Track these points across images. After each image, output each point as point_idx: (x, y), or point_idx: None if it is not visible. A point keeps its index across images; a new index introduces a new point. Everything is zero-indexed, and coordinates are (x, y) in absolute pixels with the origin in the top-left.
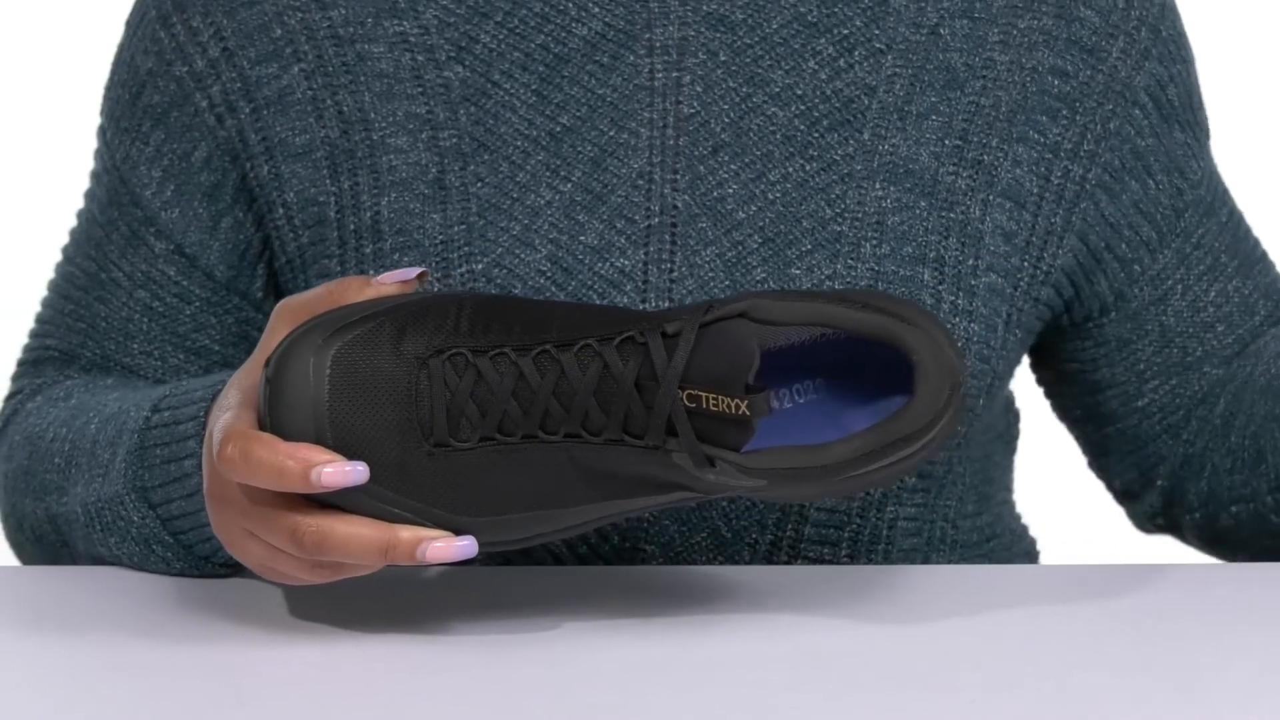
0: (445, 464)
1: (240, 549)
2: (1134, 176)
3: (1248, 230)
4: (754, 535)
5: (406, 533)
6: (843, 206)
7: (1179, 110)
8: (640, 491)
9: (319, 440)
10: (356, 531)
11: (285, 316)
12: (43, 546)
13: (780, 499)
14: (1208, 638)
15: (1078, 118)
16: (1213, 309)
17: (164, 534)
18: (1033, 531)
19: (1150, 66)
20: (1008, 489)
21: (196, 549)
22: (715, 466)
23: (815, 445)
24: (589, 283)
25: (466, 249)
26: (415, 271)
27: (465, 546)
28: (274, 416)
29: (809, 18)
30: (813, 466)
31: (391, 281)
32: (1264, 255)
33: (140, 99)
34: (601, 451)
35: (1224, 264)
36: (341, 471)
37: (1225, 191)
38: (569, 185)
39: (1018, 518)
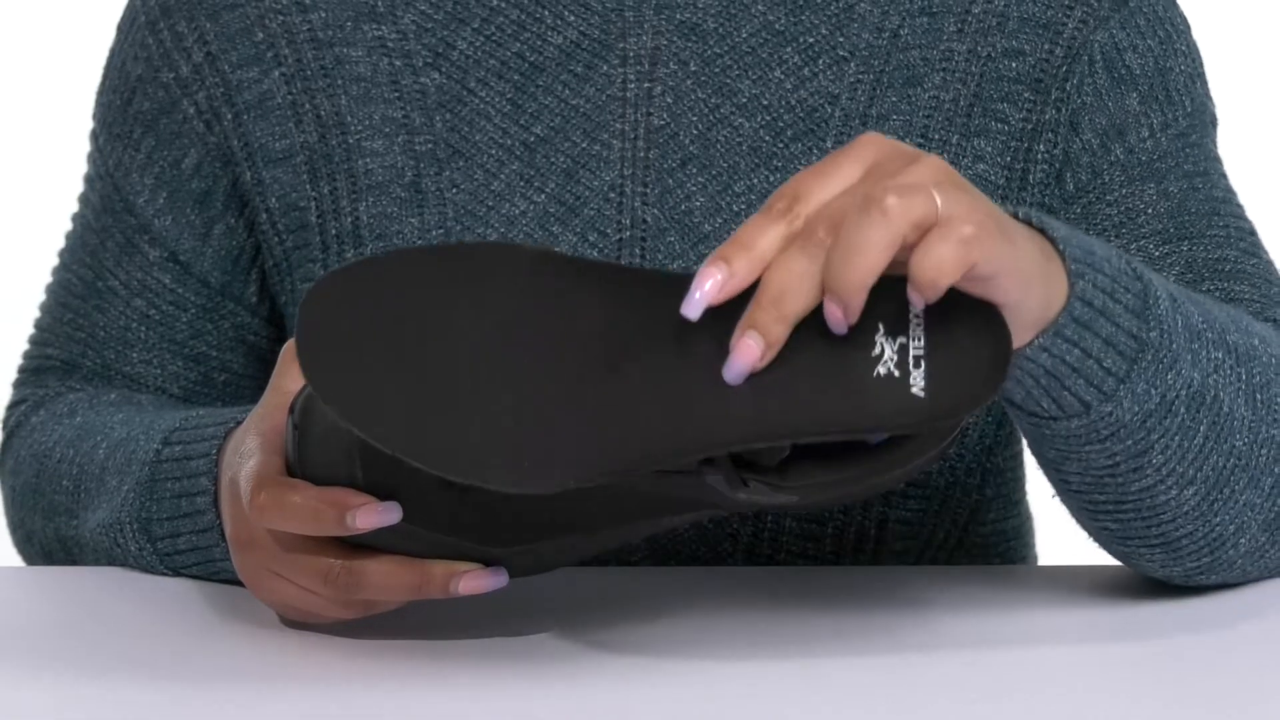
0: (475, 498)
1: (269, 592)
2: (1062, 135)
3: (1220, 218)
4: (735, 526)
5: (438, 567)
6: None
7: (1139, 79)
8: (669, 511)
9: (350, 483)
10: (389, 569)
11: (294, 357)
12: (52, 562)
13: (807, 510)
14: (1208, 638)
15: (1039, 96)
16: None
17: (160, 567)
18: (1036, 533)
19: (1109, 30)
20: (1023, 492)
21: (198, 580)
22: (749, 486)
23: (844, 459)
24: None
25: None
26: None
27: (496, 578)
28: (304, 462)
29: (777, 26)
30: (842, 478)
31: None
32: (1229, 240)
33: (131, 105)
34: (634, 479)
35: (1140, 223)
36: (375, 513)
37: (1198, 175)
38: (543, 196)
39: (1031, 518)
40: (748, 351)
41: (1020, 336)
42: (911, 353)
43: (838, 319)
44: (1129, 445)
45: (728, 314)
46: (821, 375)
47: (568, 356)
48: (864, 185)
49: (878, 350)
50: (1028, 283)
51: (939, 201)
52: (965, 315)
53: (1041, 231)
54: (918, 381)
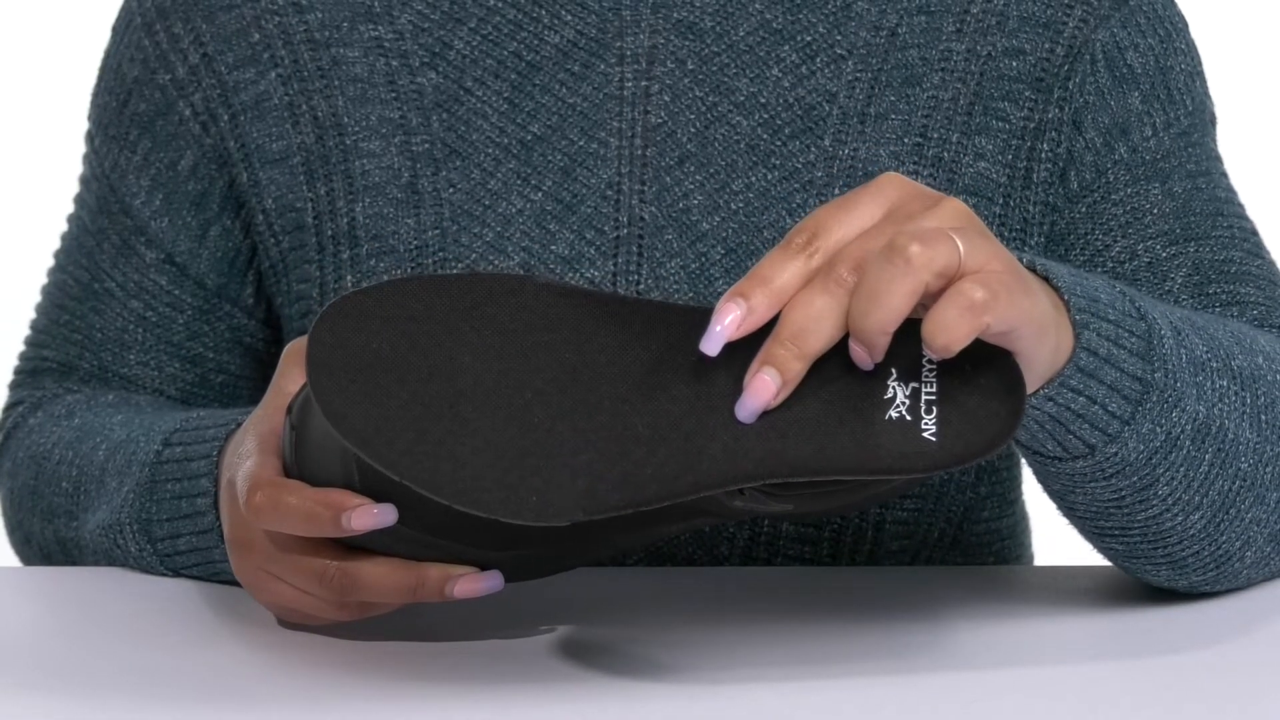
0: None
1: (265, 593)
2: (1065, 133)
3: (1224, 219)
4: (732, 530)
5: (434, 570)
6: (803, 215)
7: (1140, 78)
8: (665, 521)
9: (347, 484)
10: (384, 571)
11: (295, 359)
12: (50, 563)
13: (802, 518)
14: (1206, 638)
15: (1041, 94)
16: (1112, 263)
17: (160, 568)
18: (1032, 531)
19: (1110, 28)
20: (1018, 490)
21: (198, 580)
22: (744, 495)
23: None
24: None
25: (441, 254)
26: None
27: (491, 581)
28: (301, 463)
29: (774, 24)
30: (838, 488)
31: None
32: (1233, 241)
33: (127, 107)
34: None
35: (1146, 224)
36: (371, 514)
37: (1201, 175)
38: (539, 194)
39: (1027, 517)
40: (763, 388)
41: (1029, 384)
42: (924, 397)
43: (864, 359)
44: (1134, 481)
45: (742, 350)
46: (833, 416)
47: (580, 390)
48: (886, 227)
49: (890, 393)
50: (1042, 333)
51: (962, 249)
52: (980, 362)
53: (1046, 279)
54: (929, 426)
